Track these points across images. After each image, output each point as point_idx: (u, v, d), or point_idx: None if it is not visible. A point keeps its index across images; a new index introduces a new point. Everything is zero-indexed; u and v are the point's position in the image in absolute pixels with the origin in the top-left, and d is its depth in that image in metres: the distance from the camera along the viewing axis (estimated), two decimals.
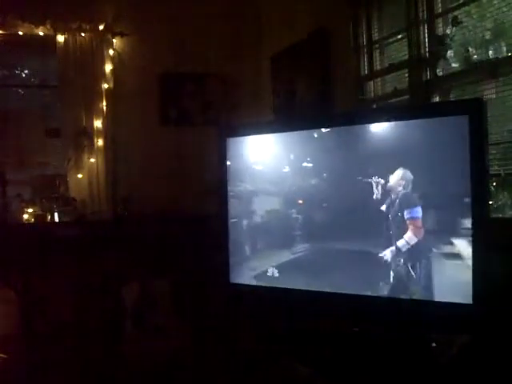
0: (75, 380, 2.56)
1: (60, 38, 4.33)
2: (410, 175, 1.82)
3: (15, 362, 2.65)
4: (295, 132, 2.18)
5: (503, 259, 1.84)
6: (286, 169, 2.16)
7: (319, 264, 2.08)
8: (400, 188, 1.85)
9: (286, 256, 2.17)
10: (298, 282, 2.13)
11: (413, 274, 1.83)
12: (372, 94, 3.39)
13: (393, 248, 1.88)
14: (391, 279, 1.89)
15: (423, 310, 1.81)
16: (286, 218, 2.17)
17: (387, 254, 1.89)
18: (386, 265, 1.90)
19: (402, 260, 1.85)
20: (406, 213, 1.84)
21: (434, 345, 1.79)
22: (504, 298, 1.79)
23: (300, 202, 2.13)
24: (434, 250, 1.78)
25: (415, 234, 1.83)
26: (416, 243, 1.83)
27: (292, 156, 2.14)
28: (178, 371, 2.38)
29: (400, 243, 1.86)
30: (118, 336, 2.93)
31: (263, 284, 2.22)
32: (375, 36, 3.37)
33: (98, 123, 4.41)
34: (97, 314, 3.09)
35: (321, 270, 2.07)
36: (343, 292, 1.99)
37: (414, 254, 1.83)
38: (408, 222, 1.84)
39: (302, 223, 2.12)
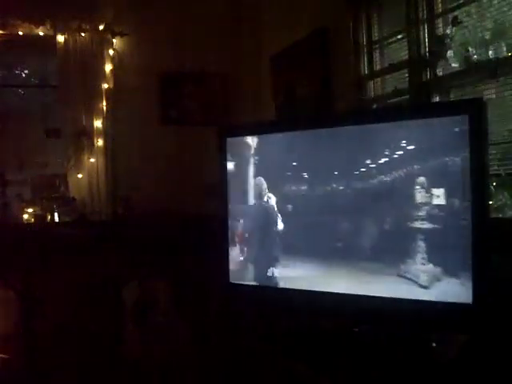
0: (75, 380, 2.56)
1: (60, 38, 4.34)
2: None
3: (15, 362, 2.65)
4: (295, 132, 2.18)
5: (503, 259, 1.83)
6: (286, 168, 2.16)
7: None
8: None
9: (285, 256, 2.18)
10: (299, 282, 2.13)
11: None
12: (372, 94, 3.38)
13: None
14: None
15: (423, 309, 1.81)
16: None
17: None
18: None
19: None
20: None
21: (434, 345, 1.79)
22: (504, 298, 1.79)
23: (299, 202, 2.13)
24: None
25: None
26: None
27: (291, 156, 2.14)
28: (178, 371, 2.38)
29: None
30: (118, 336, 2.93)
31: (263, 284, 2.22)
32: (375, 36, 3.37)
33: (98, 123, 4.41)
34: (97, 314, 3.08)
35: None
36: (343, 292, 1.99)
37: None
38: None
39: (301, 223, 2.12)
